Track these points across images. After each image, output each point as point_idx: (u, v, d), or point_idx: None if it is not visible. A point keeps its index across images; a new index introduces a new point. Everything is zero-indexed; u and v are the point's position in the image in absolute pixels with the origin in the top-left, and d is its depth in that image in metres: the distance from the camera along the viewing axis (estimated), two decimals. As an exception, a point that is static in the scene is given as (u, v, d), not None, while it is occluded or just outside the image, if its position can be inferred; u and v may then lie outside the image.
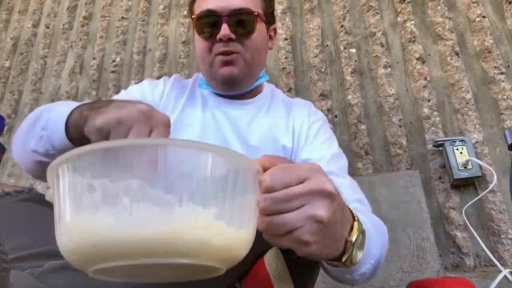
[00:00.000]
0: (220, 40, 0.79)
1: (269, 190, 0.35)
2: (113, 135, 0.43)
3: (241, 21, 0.80)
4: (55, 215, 0.32)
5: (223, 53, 0.80)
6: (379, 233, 0.57)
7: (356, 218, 0.43)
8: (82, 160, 0.32)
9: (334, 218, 0.37)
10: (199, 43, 0.83)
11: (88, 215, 0.30)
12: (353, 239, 0.41)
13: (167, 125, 0.46)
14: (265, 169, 0.36)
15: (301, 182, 0.36)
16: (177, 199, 0.30)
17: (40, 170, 0.60)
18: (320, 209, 0.35)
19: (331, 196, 0.36)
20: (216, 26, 0.79)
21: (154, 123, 0.45)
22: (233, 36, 0.78)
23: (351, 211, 0.44)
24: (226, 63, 0.80)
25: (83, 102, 0.57)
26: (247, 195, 0.35)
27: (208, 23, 0.80)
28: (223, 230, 0.31)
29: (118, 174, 0.31)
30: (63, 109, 0.55)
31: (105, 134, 0.44)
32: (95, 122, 0.45)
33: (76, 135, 0.52)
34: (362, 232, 0.43)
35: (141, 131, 0.43)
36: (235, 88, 0.85)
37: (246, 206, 0.35)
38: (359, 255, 0.42)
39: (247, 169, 0.35)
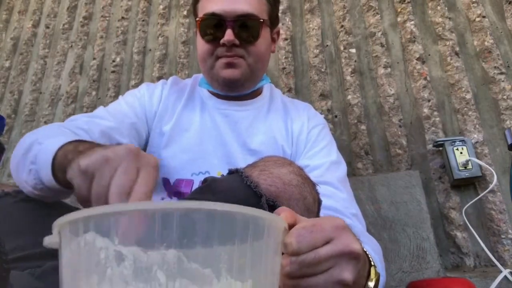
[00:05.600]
0: (224, 45, 0.78)
1: (295, 253, 0.34)
2: (98, 176, 0.39)
3: (246, 27, 0.78)
4: (62, 285, 0.27)
5: (226, 56, 0.79)
6: (381, 261, 0.58)
7: (372, 263, 0.43)
8: (107, 220, 0.27)
9: (359, 276, 0.37)
10: (202, 45, 0.82)
11: None
12: (371, 286, 0.41)
13: (155, 167, 0.42)
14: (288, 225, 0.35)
15: (327, 242, 0.35)
16: (216, 274, 0.27)
17: (36, 196, 0.58)
18: (347, 272, 0.35)
19: (358, 257, 0.36)
20: (220, 30, 0.78)
21: (142, 163, 0.41)
22: (237, 42, 0.77)
23: (367, 254, 0.43)
24: (229, 65, 0.79)
25: (70, 140, 0.52)
26: (275, 259, 0.32)
27: (212, 26, 0.79)
28: None
29: (152, 242, 0.26)
30: (52, 143, 0.52)
31: (89, 176, 0.40)
32: (79, 163, 0.41)
33: (62, 177, 0.49)
34: (378, 277, 0.43)
35: (128, 169, 0.39)
36: (235, 90, 0.85)
37: (274, 270, 0.32)
38: None
39: (277, 230, 0.32)
